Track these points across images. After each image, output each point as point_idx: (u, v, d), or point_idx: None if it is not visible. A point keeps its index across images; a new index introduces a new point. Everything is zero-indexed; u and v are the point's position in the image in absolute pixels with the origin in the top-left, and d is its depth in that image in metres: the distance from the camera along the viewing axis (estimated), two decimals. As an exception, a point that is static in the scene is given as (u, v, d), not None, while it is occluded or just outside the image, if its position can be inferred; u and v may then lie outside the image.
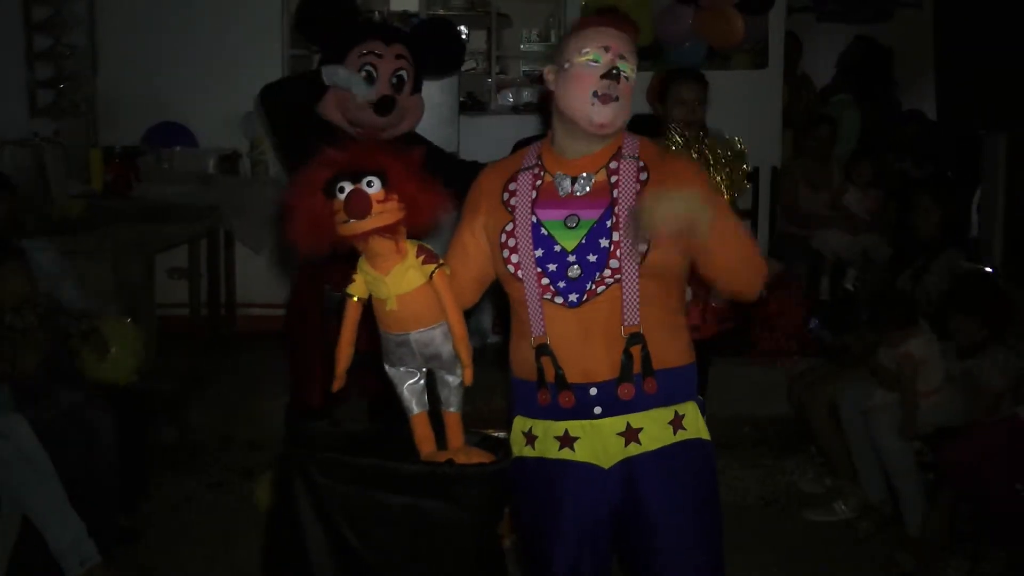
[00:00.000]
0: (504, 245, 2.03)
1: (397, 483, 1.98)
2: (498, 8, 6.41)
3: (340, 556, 1.99)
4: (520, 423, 2.09)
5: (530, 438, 2.07)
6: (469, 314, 2.10)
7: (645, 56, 5.43)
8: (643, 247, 1.94)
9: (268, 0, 5.87)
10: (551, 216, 2.02)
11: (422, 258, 1.95)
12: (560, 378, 1.99)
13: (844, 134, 6.31)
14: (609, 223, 1.98)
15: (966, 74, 6.47)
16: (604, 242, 1.97)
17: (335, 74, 3.15)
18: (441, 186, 1.95)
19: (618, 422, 1.99)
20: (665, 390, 1.99)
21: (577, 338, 1.97)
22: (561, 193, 2.03)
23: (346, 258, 1.99)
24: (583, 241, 1.98)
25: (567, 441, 2.02)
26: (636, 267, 1.95)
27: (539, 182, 2.06)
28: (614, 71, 1.97)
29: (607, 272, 1.96)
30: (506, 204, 2.06)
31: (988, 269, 4.50)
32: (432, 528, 1.97)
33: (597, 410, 1.99)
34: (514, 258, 2.01)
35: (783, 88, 6.05)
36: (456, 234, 2.13)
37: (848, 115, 6.58)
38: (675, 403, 2.02)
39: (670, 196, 1.87)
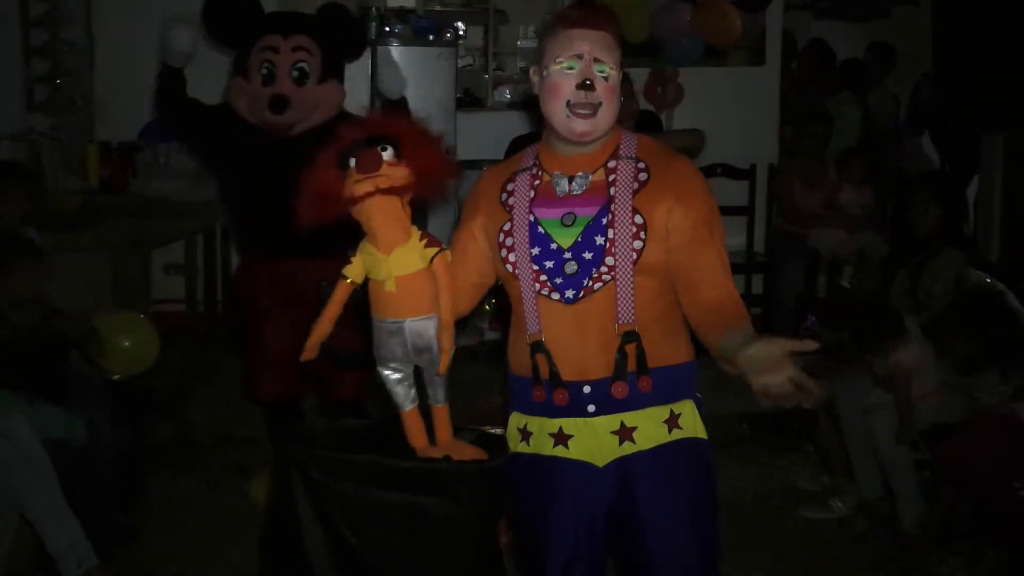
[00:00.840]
0: (502, 244, 2.03)
1: (395, 480, 1.98)
2: (495, 4, 6.38)
3: (338, 553, 1.99)
4: (516, 419, 2.10)
5: (525, 435, 2.07)
6: (466, 319, 2.10)
7: (642, 52, 5.28)
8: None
9: (265, -4, 5.87)
10: (548, 215, 2.01)
11: (424, 242, 1.96)
12: (554, 375, 1.99)
13: (845, 132, 6.28)
14: (605, 220, 1.97)
15: (964, 73, 6.47)
16: (600, 239, 1.97)
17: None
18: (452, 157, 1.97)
19: (612, 420, 1.99)
20: (661, 388, 1.99)
21: (573, 336, 1.97)
22: (558, 192, 2.03)
23: (298, 252, 1.98)
24: (579, 238, 1.98)
25: (561, 439, 2.02)
26: (631, 265, 1.95)
27: (537, 182, 2.06)
28: (587, 81, 1.94)
29: (603, 269, 1.96)
30: (504, 204, 2.06)
31: (1001, 287, 4.05)
32: (430, 525, 1.97)
33: (591, 408, 1.99)
34: (512, 256, 2.01)
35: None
36: (455, 236, 2.13)
37: (849, 113, 6.56)
38: (671, 401, 2.02)
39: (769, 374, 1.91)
